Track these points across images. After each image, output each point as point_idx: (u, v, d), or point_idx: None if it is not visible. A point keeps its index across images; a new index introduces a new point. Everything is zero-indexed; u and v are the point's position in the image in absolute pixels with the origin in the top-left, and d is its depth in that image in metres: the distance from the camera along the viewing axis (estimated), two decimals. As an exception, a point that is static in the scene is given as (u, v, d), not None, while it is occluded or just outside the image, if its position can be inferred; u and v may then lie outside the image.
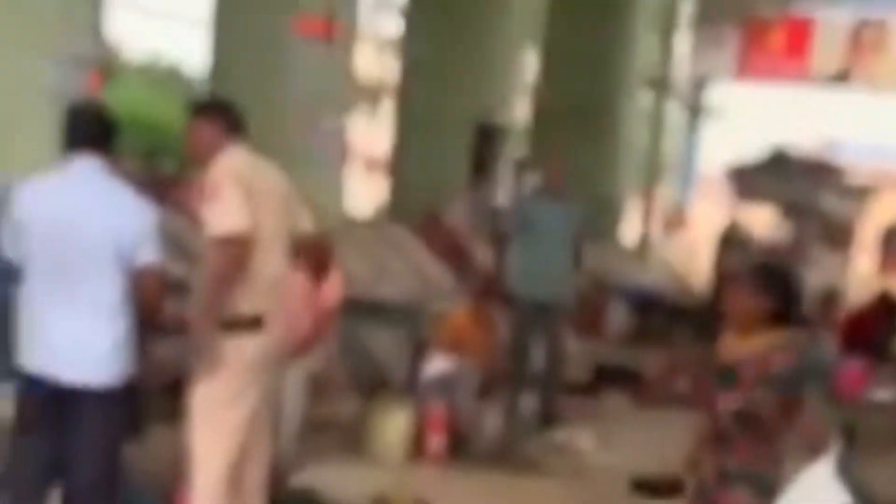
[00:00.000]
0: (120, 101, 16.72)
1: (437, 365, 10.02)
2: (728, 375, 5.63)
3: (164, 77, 44.56)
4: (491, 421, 10.00)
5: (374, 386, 10.69)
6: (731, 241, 18.82)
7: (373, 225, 16.73)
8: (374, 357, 11.24)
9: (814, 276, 17.24)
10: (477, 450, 9.67)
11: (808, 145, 24.43)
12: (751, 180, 18.81)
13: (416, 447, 9.37)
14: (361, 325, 11.16)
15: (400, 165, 18.29)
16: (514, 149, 18.89)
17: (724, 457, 5.62)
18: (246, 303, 6.09)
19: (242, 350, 6.14)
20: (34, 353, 5.73)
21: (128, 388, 5.86)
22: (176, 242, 10.24)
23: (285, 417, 8.18)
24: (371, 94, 40.67)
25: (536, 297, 10.95)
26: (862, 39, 28.57)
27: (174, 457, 6.60)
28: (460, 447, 9.56)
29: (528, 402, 11.00)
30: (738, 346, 5.65)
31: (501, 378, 10.80)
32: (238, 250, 5.98)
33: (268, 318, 6.20)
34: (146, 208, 5.93)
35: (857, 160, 26.40)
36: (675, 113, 31.95)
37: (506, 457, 9.70)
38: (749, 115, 35.79)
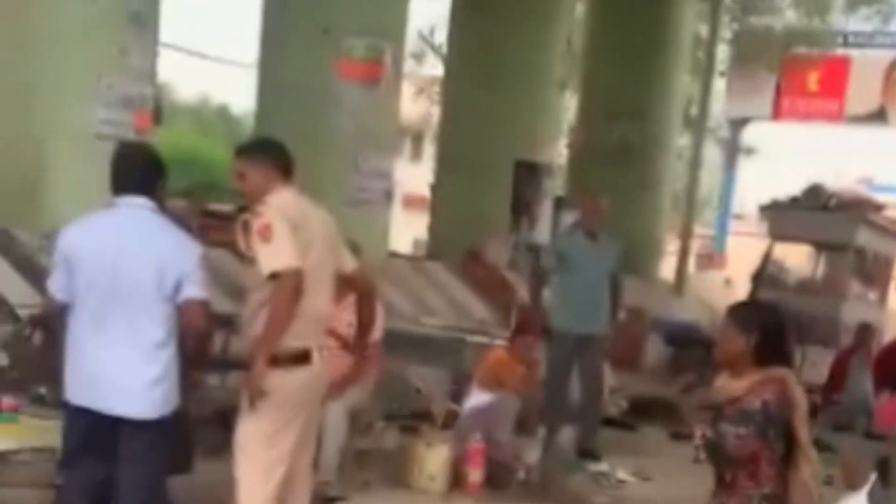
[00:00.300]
0: (169, 140, 17.05)
1: (476, 398, 10.02)
2: (718, 419, 5.54)
3: (213, 117, 44.93)
4: (530, 454, 9.99)
5: (414, 419, 10.80)
6: (767, 277, 18.93)
7: (414, 261, 16.95)
8: (416, 391, 11.39)
9: (849, 312, 17.34)
10: (516, 482, 9.67)
11: (844, 182, 24.48)
12: (786, 217, 18.81)
13: (456, 480, 9.35)
14: (403, 359, 11.26)
15: (441, 203, 18.50)
16: (553, 187, 19.05)
17: (722, 496, 5.54)
18: (292, 338, 6.13)
19: (288, 384, 6.16)
20: (79, 385, 5.84)
21: (173, 420, 5.98)
22: (222, 279, 10.50)
23: (326, 450, 8.21)
24: (412, 134, 40.96)
25: (575, 331, 11.03)
26: (896, 78, 28.72)
27: (220, 489, 6.61)
28: (499, 480, 9.53)
29: (567, 436, 11.02)
30: (729, 387, 5.56)
31: (540, 411, 10.85)
32: (292, 287, 6.04)
33: (313, 353, 6.27)
34: (191, 246, 6.06)
35: (893, 197, 26.34)
36: (712, 151, 32.11)
37: (544, 489, 9.72)
38: (786, 154, 35.85)
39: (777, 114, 29.93)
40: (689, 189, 23.76)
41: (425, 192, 20.66)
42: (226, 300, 9.24)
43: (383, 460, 9.63)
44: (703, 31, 24.83)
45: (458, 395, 10.82)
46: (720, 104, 30.26)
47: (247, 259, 6.25)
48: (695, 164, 23.72)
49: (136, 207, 5.95)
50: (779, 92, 29.62)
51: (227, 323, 8.35)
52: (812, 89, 29.97)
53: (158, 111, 12.29)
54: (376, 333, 7.98)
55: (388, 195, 14.27)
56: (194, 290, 5.91)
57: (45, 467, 7.00)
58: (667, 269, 22.72)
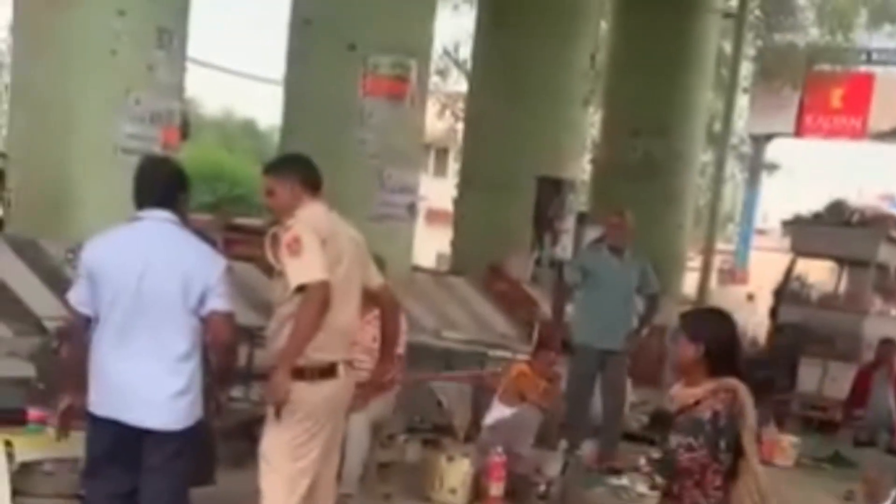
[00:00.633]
0: (195, 155, 17.16)
1: (498, 412, 10.13)
2: (670, 427, 5.61)
3: (239, 132, 45.09)
4: (551, 467, 10.05)
5: (436, 432, 10.88)
6: (789, 292, 18.93)
7: (437, 276, 17.02)
8: (438, 404, 11.43)
9: (871, 328, 17.33)
10: (536, 496, 9.71)
11: (867, 199, 24.47)
12: (809, 233, 18.80)
13: (477, 493, 9.41)
14: (425, 372, 11.34)
15: (464, 218, 18.57)
16: (576, 203, 19.09)
17: None
18: (318, 351, 6.21)
19: (314, 397, 6.24)
20: (104, 397, 5.88)
21: (196, 431, 6.03)
22: (247, 292, 10.59)
23: (348, 462, 8.25)
24: (437, 149, 41.04)
25: (598, 346, 11.08)
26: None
27: (244, 500, 6.68)
28: (520, 493, 9.59)
29: (588, 449, 11.08)
30: (682, 395, 5.59)
31: (562, 426, 10.91)
32: (319, 300, 6.10)
33: (339, 366, 6.34)
34: (216, 259, 6.12)
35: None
36: (735, 167, 32.11)
37: (565, 503, 9.76)
38: (808, 170, 35.85)
39: (800, 130, 29.93)
40: (711, 204, 23.78)
41: (449, 207, 20.73)
42: (250, 313, 9.34)
43: (405, 473, 9.76)
44: (727, 47, 24.86)
45: (479, 408, 10.89)
46: (743, 120, 30.28)
47: (275, 272, 6.33)
48: (718, 179, 23.74)
49: (160, 221, 6.01)
50: (802, 108, 29.62)
51: (252, 336, 8.48)
52: (835, 106, 29.96)
53: (186, 126, 12.38)
54: (399, 347, 8.03)
55: (413, 210, 14.33)
56: (219, 302, 5.96)
57: (69, 478, 7.10)
58: (689, 284, 22.74)
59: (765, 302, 21.44)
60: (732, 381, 5.45)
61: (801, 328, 17.62)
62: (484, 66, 18.60)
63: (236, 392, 8.83)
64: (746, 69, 27.92)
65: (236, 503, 7.21)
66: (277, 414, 6.23)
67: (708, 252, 22.85)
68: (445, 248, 20.87)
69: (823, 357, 16.40)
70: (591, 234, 17.54)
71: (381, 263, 7.05)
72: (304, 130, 13.44)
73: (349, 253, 6.41)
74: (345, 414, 6.74)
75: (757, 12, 28.34)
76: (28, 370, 8.48)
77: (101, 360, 5.91)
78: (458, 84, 30.00)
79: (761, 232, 35.16)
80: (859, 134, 31.15)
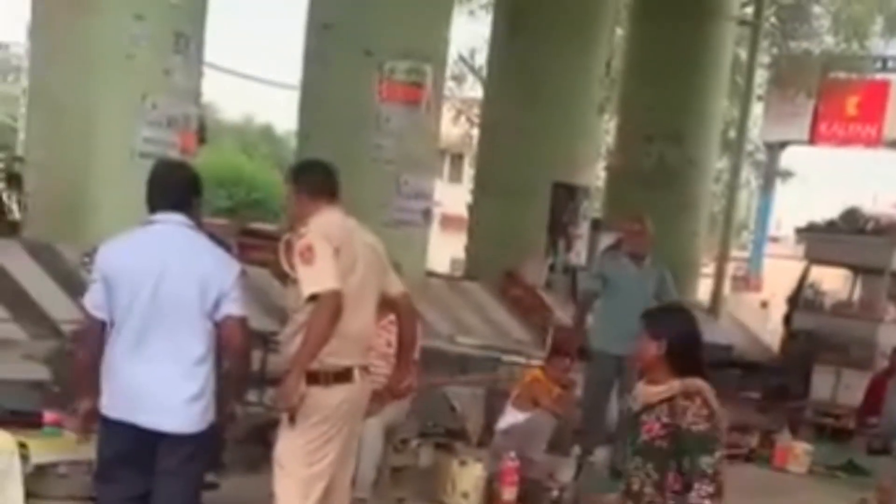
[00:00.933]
0: (213, 160, 17.24)
1: (511, 417, 10.13)
2: (634, 426, 5.57)
3: (256, 137, 45.20)
4: (564, 473, 10.05)
5: (449, 436, 10.85)
6: (803, 300, 18.94)
7: (451, 281, 17.05)
8: (452, 408, 11.45)
9: (885, 336, 17.31)
10: (549, 501, 9.67)
11: (881, 207, 24.42)
12: (823, 240, 18.80)
13: (490, 498, 9.39)
14: (439, 377, 11.35)
15: (478, 224, 18.59)
16: (590, 209, 19.11)
17: None
18: (332, 357, 6.21)
19: (328, 400, 6.24)
20: (118, 400, 5.87)
21: (209, 435, 6.02)
22: (261, 297, 10.64)
23: (361, 466, 8.15)
24: (452, 155, 41.09)
25: (616, 353, 11.04)
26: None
27: None
28: (533, 498, 9.56)
29: (601, 455, 11.01)
30: (645, 393, 5.54)
31: (576, 432, 10.88)
32: (330, 309, 6.11)
33: (354, 371, 6.34)
34: (230, 263, 6.12)
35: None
36: (749, 175, 32.08)
37: None
38: (823, 178, 35.83)
39: (815, 138, 29.90)
40: (726, 212, 23.76)
41: (463, 212, 20.75)
42: (264, 318, 9.39)
43: (418, 477, 9.77)
44: (742, 55, 24.85)
45: (492, 413, 10.91)
46: (758, 128, 30.26)
47: (289, 279, 6.34)
48: (732, 186, 23.72)
49: (175, 224, 6.01)
50: (817, 116, 29.58)
51: (265, 340, 8.51)
52: (850, 113, 29.92)
53: (202, 131, 12.44)
54: (414, 353, 8.10)
55: (428, 215, 14.37)
56: (233, 307, 5.96)
57: (83, 480, 7.14)
58: (703, 291, 22.74)
59: (778, 309, 21.43)
60: (697, 382, 5.45)
61: (814, 335, 17.64)
62: (500, 73, 18.61)
63: (250, 396, 8.86)
64: (761, 76, 27.90)
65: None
66: (291, 419, 6.24)
67: (722, 259, 22.84)
68: (460, 253, 20.92)
69: (837, 364, 16.40)
70: (606, 240, 17.59)
71: (397, 268, 7.05)
72: (321, 135, 13.51)
73: (365, 260, 6.42)
74: (360, 419, 6.72)
75: (773, 20, 28.31)
76: (43, 373, 8.54)
77: (115, 363, 5.89)
78: (474, 90, 30.04)
79: (775, 239, 35.15)
80: (874, 142, 31.12)
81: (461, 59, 30.55)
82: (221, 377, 6.01)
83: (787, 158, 33.03)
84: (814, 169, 41.76)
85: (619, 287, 11.19)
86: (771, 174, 31.89)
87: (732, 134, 25.35)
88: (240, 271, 6.13)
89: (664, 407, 5.45)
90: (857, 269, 19.31)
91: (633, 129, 21.11)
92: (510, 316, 15.80)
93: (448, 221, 33.40)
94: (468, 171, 35.09)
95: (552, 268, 17.75)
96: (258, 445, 6.64)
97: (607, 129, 23.23)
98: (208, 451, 6.22)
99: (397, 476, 9.47)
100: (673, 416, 5.41)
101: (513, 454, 9.45)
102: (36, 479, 7.20)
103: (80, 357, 6.18)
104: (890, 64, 31.58)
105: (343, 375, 6.30)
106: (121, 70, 10.68)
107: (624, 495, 5.65)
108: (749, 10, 24.46)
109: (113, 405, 5.89)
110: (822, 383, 16.32)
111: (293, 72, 16.27)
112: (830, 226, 18.93)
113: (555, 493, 9.80)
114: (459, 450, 10.28)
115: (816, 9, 31.21)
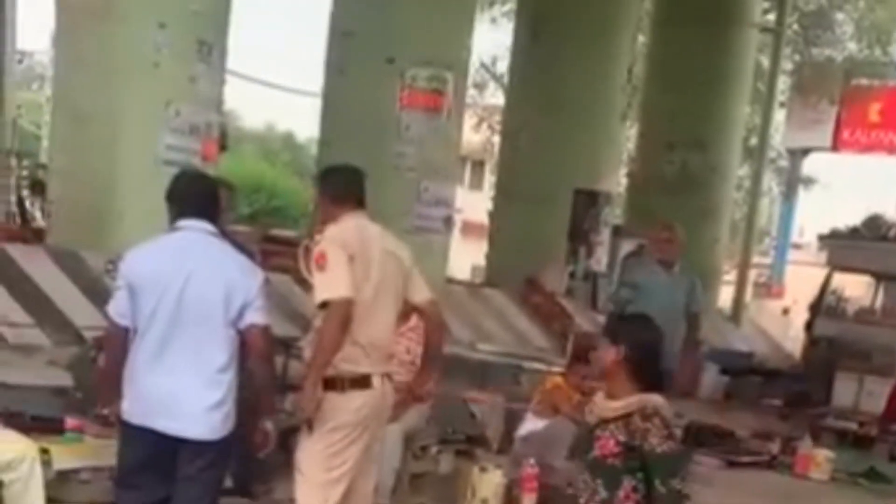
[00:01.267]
0: (234, 167, 17.31)
1: (531, 423, 10.10)
2: (588, 441, 5.45)
3: (278, 145, 45.30)
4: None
5: (469, 443, 10.85)
6: (825, 307, 18.88)
7: (472, 288, 17.07)
8: (472, 415, 11.46)
9: (908, 342, 17.26)
10: None
11: (903, 214, 24.35)
12: (846, 247, 18.74)
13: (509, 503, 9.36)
14: (460, 383, 11.36)
15: (499, 231, 18.61)
16: (611, 216, 19.11)
17: None
18: (349, 363, 6.26)
19: (345, 406, 6.28)
20: (141, 406, 5.92)
21: (229, 442, 6.08)
22: (282, 304, 10.68)
23: (381, 473, 8.03)
24: (473, 162, 41.11)
25: None
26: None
27: None
28: None
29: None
30: (603, 407, 5.39)
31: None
32: (340, 316, 6.15)
33: (373, 378, 6.37)
34: (254, 271, 6.16)
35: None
36: (772, 181, 32.01)
37: None
38: (845, 185, 35.73)
39: (837, 144, 29.77)
40: (748, 218, 23.74)
41: (484, 219, 20.78)
42: (286, 324, 9.43)
43: (438, 483, 9.78)
44: (764, 62, 24.82)
45: (512, 420, 10.90)
46: (780, 134, 30.20)
47: (309, 284, 6.44)
48: (754, 193, 23.70)
49: (200, 231, 6.05)
50: (839, 123, 29.45)
51: (287, 346, 8.55)
52: (873, 120, 29.74)
53: (224, 138, 12.48)
54: (439, 359, 8.10)
55: (449, 222, 14.40)
56: (257, 316, 6.00)
57: (104, 486, 7.17)
58: (724, 298, 22.71)
59: (800, 316, 21.34)
60: (654, 400, 5.30)
61: (837, 342, 17.56)
62: (521, 80, 18.63)
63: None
64: (783, 83, 27.84)
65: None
66: (309, 426, 6.29)
67: (744, 266, 22.81)
68: (480, 260, 20.93)
69: (859, 371, 16.32)
70: (627, 246, 17.60)
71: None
72: (342, 143, 13.55)
73: (382, 267, 6.43)
74: (381, 425, 6.75)
75: (795, 27, 28.30)
76: (66, 379, 8.57)
77: (138, 369, 5.94)
78: (496, 97, 30.08)
79: (798, 246, 35.05)
80: (898, 146, 31.04)
81: (483, 66, 30.63)
82: (242, 386, 6.05)
83: (810, 165, 32.93)
84: (836, 176, 41.61)
85: (650, 294, 11.12)
86: (793, 181, 31.77)
87: (754, 141, 25.32)
88: (264, 279, 6.17)
89: (620, 424, 5.29)
90: (879, 276, 19.20)
91: (654, 136, 21.10)
92: (531, 323, 15.80)
93: (469, 228, 33.42)
94: (489, 179, 35.09)
95: (573, 275, 17.76)
96: (279, 451, 6.65)
97: (629, 135, 23.21)
98: (228, 457, 6.25)
99: (417, 482, 9.47)
100: (630, 436, 5.25)
101: (533, 461, 9.44)
102: (58, 484, 7.21)
103: (103, 363, 6.21)
104: (913, 70, 31.52)
105: (360, 382, 6.34)
106: (144, 78, 10.73)
107: None
108: (771, 16, 24.42)
109: (135, 411, 5.94)
110: (845, 390, 16.25)
111: (315, 79, 16.33)
112: (853, 233, 18.85)
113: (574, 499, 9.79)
114: (479, 456, 10.26)
115: (839, 15, 31.21)
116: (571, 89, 17.39)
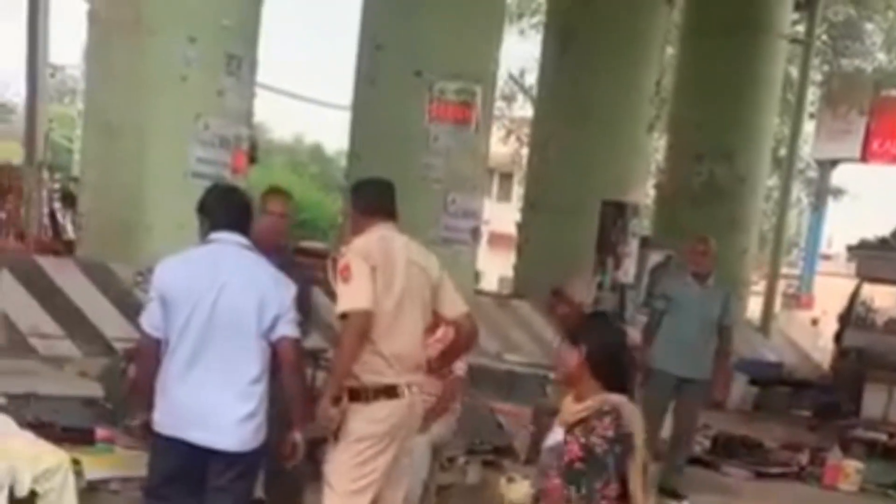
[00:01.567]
0: (264, 179, 17.38)
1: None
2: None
3: (307, 157, 45.38)
4: (610, 489, 10.12)
5: (497, 454, 10.84)
6: (854, 318, 18.86)
7: (499, 299, 17.10)
8: (499, 425, 11.47)
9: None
10: None
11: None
12: (875, 258, 18.73)
13: None
14: (487, 394, 11.38)
15: (527, 242, 18.65)
16: (639, 227, 19.11)
17: None
18: (373, 374, 6.26)
19: (370, 418, 6.28)
20: (173, 417, 5.90)
21: (259, 454, 6.07)
22: (312, 315, 10.71)
23: (409, 483, 8.06)
24: (501, 174, 41.16)
25: (676, 374, 10.93)
26: None
27: None
28: None
29: (651, 472, 11.01)
30: (567, 410, 5.22)
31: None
32: (357, 328, 6.16)
33: (400, 389, 6.35)
34: (287, 284, 6.13)
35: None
36: (801, 192, 31.95)
37: None
38: (874, 196, 35.56)
39: (866, 155, 29.67)
40: (776, 229, 23.72)
41: (511, 230, 20.80)
42: (314, 335, 9.45)
43: (465, 494, 9.76)
44: (794, 72, 24.81)
45: (539, 430, 10.91)
46: (809, 145, 30.13)
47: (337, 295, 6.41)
48: (783, 204, 23.68)
49: (233, 244, 6.06)
50: (868, 134, 29.36)
51: (315, 357, 8.60)
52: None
53: (253, 151, 12.55)
54: (461, 370, 8.12)
55: (476, 234, 14.44)
56: (289, 328, 6.01)
57: (134, 496, 7.23)
58: (753, 308, 22.69)
59: (829, 327, 21.32)
60: (614, 399, 5.11)
61: (866, 353, 17.55)
62: (550, 92, 18.69)
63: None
64: (813, 94, 27.82)
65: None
66: (335, 437, 6.30)
67: (772, 277, 22.79)
68: (508, 271, 20.96)
69: (889, 382, 16.30)
70: (654, 258, 17.61)
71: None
72: (371, 155, 13.63)
73: (409, 278, 6.42)
74: (409, 436, 6.72)
75: (824, 38, 28.26)
76: (96, 390, 8.64)
77: (170, 380, 5.92)
78: (524, 109, 30.14)
79: (826, 257, 34.93)
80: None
81: (511, 78, 30.69)
82: (273, 398, 6.04)
83: (839, 176, 32.88)
84: (865, 186, 41.41)
85: (683, 307, 11.09)
86: (822, 192, 31.72)
87: (783, 152, 25.32)
88: (293, 292, 6.15)
89: (581, 428, 5.12)
90: (909, 286, 19.22)
91: (683, 147, 21.09)
92: (558, 334, 15.81)
93: (496, 239, 33.46)
94: (517, 191, 35.15)
95: (600, 286, 17.76)
96: (307, 462, 6.68)
97: (657, 147, 23.21)
98: (258, 469, 6.28)
99: (444, 493, 9.44)
100: (588, 437, 5.09)
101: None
102: (89, 494, 7.27)
103: (134, 375, 6.26)
104: (942, 82, 31.40)
105: (386, 392, 6.33)
106: (174, 91, 10.83)
107: None
108: (800, 27, 24.40)
109: (166, 422, 5.94)
110: (874, 401, 16.23)
111: (344, 92, 16.40)
112: (882, 243, 18.85)
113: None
114: (507, 467, 10.26)
115: (868, 26, 31.13)
116: (600, 101, 17.42)
